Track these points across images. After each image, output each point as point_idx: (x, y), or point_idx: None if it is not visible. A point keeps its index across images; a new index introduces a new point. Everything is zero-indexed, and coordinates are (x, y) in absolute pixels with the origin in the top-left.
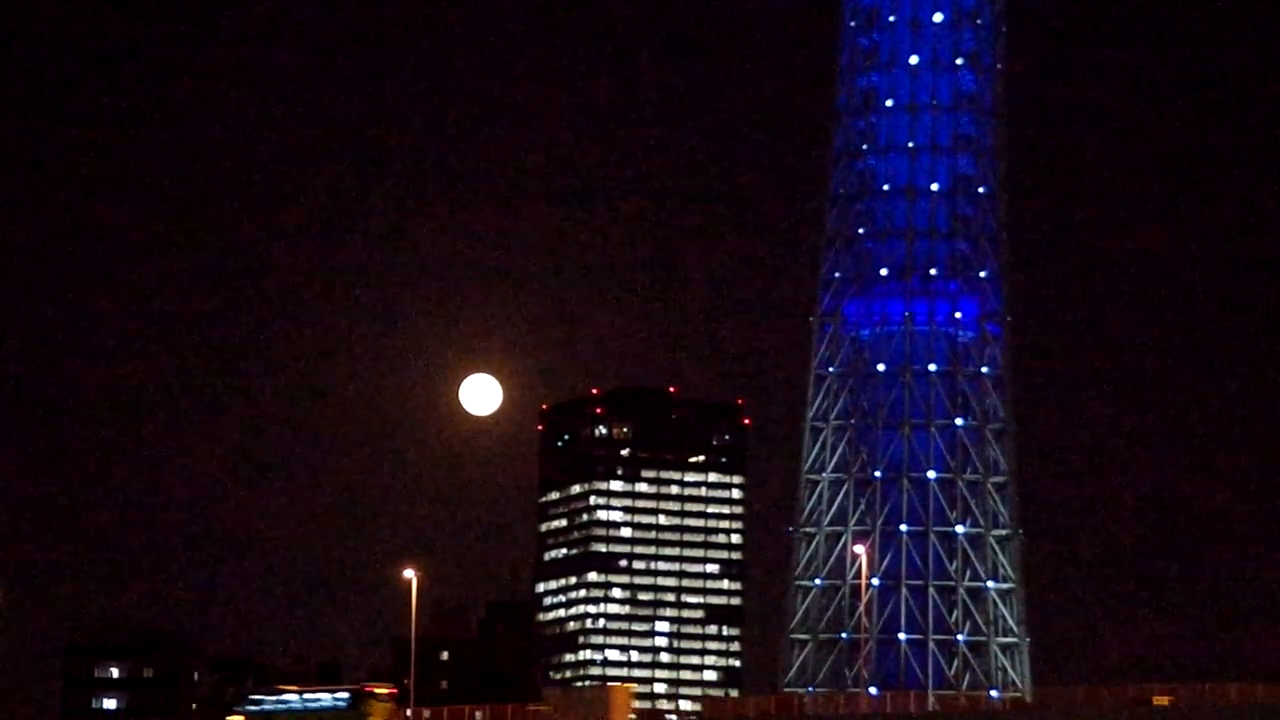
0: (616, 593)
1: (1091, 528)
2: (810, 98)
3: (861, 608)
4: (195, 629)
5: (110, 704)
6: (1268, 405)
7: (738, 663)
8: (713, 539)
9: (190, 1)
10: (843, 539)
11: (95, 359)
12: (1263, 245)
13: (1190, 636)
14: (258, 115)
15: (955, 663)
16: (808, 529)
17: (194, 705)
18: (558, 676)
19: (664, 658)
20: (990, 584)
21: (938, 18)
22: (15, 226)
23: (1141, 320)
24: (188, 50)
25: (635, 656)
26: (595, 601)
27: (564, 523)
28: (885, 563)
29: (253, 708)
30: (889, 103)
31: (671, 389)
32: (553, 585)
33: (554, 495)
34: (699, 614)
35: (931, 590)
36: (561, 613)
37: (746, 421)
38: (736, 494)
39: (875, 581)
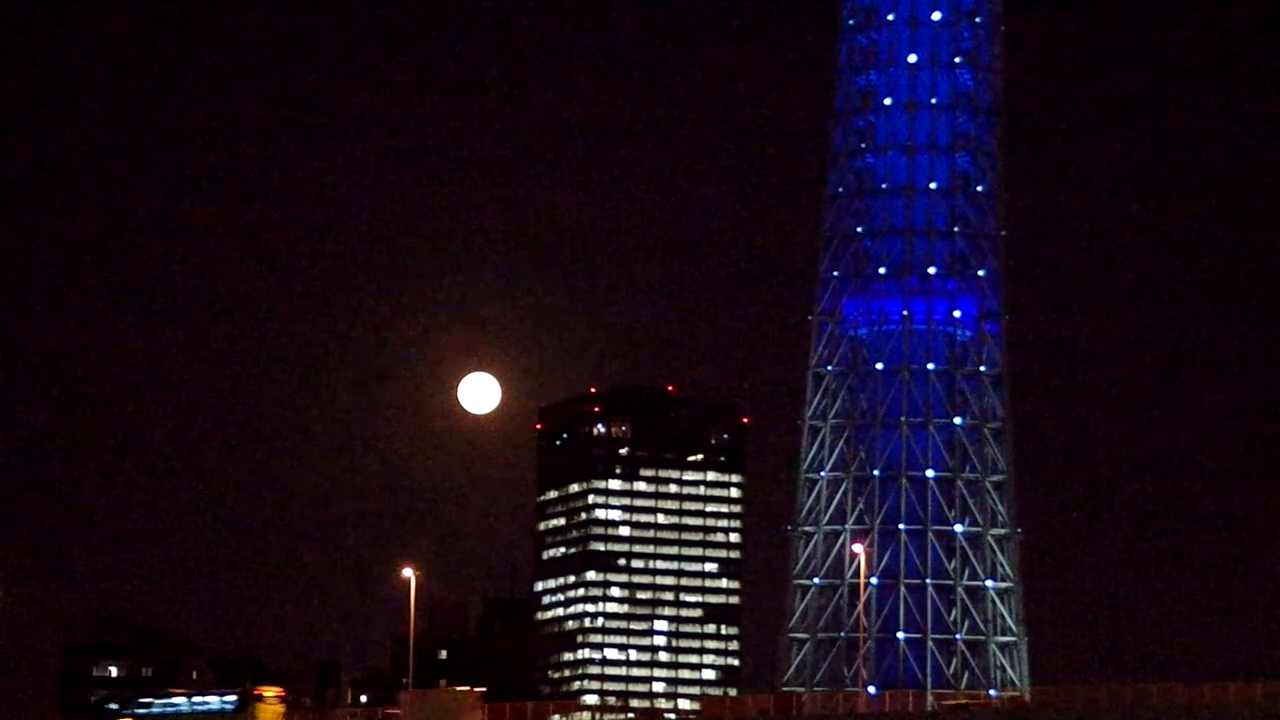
0: (615, 592)
1: (1090, 527)
2: (809, 96)
3: (860, 607)
4: (194, 628)
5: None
6: (1268, 405)
7: (736, 662)
8: (711, 538)
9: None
10: (841, 538)
11: (95, 359)
12: (1263, 245)
13: (1190, 636)
14: (258, 112)
15: (954, 662)
16: (806, 528)
17: None
18: (556, 675)
19: (662, 657)
20: (989, 583)
21: (936, 16)
22: (15, 226)
23: (1140, 319)
24: (188, 45)
25: (634, 655)
26: (594, 600)
27: (562, 521)
28: (884, 562)
29: (141, 711)
30: (887, 101)
31: (670, 388)
32: (551, 584)
33: (552, 494)
34: (697, 613)
35: (930, 589)
36: (560, 611)
37: (745, 420)
38: (735, 493)
39: (874, 580)
